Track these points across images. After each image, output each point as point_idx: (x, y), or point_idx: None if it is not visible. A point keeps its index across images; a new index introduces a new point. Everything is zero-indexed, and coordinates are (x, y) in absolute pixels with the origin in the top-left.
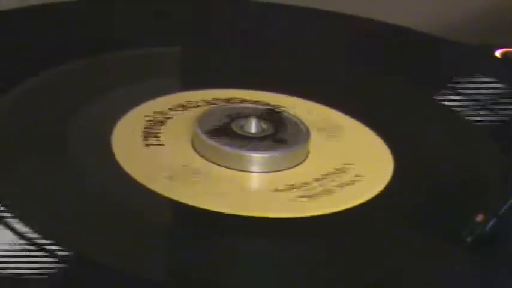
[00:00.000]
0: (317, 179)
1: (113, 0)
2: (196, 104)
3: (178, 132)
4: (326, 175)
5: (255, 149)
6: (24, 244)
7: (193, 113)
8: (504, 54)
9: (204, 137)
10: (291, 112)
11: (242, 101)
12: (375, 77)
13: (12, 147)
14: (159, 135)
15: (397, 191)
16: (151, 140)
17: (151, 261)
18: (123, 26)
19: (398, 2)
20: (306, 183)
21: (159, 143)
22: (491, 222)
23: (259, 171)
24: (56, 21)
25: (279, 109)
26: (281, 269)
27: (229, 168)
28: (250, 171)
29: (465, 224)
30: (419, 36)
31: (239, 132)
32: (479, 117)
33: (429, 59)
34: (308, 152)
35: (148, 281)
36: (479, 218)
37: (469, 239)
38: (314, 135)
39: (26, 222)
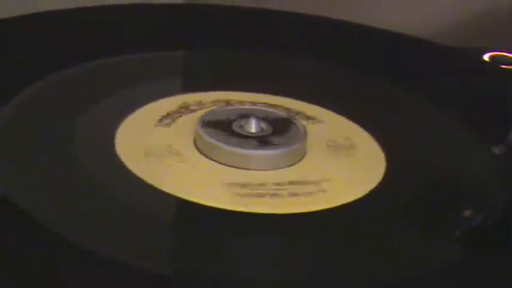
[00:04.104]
0: (277, 184)
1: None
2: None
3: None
4: (291, 182)
5: (232, 144)
6: None
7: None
8: (492, 58)
9: (197, 128)
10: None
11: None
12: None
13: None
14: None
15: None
16: (166, 121)
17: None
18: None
19: (388, 6)
20: (262, 184)
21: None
22: (478, 218)
23: (227, 164)
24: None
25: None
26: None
27: (208, 158)
28: (220, 163)
29: (455, 220)
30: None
31: (236, 129)
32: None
33: (424, 64)
34: (291, 159)
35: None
36: (467, 214)
37: (457, 234)
38: (319, 146)
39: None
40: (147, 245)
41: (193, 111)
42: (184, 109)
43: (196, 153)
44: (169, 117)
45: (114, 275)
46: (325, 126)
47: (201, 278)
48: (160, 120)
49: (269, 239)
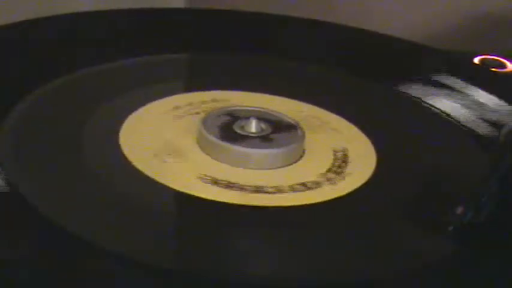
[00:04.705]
0: (277, 181)
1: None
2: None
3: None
4: (289, 180)
5: (233, 143)
6: None
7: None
8: (483, 61)
9: (200, 127)
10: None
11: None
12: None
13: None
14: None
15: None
16: (169, 120)
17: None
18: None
19: (381, 11)
20: (262, 181)
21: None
22: (469, 215)
23: (228, 162)
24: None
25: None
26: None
27: (210, 156)
28: (221, 162)
29: (448, 216)
30: (403, 44)
31: (237, 130)
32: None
33: (413, 66)
34: (289, 158)
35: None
36: (459, 210)
37: (450, 229)
38: (318, 146)
39: None
40: (150, 239)
41: (195, 111)
42: (187, 109)
43: (199, 151)
44: (172, 117)
45: (117, 269)
46: (324, 127)
47: (203, 273)
48: (163, 119)
49: (268, 233)
